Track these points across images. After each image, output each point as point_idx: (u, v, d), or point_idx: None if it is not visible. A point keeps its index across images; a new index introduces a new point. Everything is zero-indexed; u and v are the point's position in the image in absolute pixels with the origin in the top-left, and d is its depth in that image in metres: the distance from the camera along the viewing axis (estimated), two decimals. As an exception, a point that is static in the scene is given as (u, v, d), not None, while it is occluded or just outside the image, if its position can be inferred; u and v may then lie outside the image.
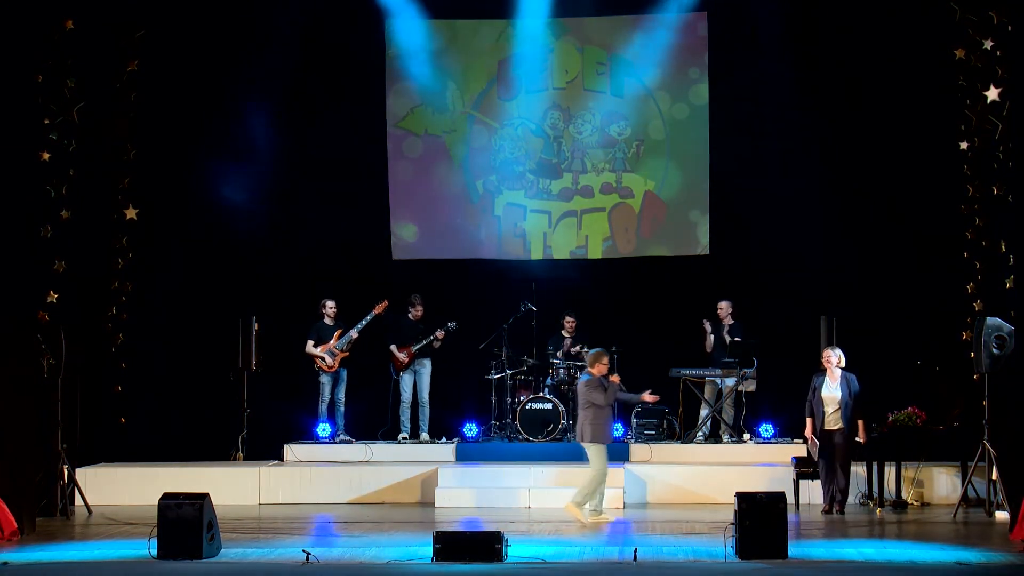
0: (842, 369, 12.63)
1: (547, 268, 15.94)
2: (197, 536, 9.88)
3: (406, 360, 14.99)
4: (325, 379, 14.95)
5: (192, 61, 15.18)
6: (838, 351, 12.71)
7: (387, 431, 15.03)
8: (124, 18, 14.39)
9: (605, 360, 12.12)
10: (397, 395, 15.07)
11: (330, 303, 15.08)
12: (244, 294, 15.35)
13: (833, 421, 12.52)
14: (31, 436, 11.80)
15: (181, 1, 14.91)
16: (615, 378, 12.23)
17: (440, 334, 14.93)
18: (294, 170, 15.73)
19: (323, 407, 14.97)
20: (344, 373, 15.00)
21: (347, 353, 14.92)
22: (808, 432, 12.70)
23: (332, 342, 14.88)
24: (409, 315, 15.13)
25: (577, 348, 14.99)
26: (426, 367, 15.09)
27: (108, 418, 14.59)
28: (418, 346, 14.94)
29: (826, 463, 12.54)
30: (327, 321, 15.03)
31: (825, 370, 12.67)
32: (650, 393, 12.70)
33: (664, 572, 9.53)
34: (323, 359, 14.84)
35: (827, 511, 12.50)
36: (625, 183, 16.02)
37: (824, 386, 12.59)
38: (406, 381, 15.06)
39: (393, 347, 15.01)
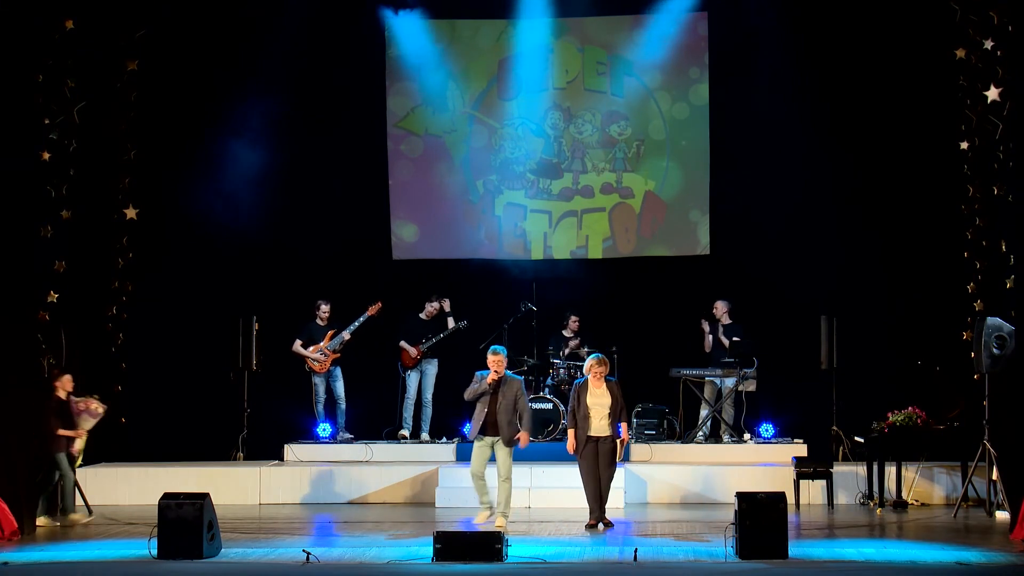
0: (606, 378, 11.85)
1: (547, 268, 15.94)
2: (197, 536, 9.89)
3: (416, 356, 14.98)
4: (317, 379, 14.96)
5: (192, 61, 15.20)
6: (603, 357, 11.87)
7: (392, 430, 15.04)
8: (124, 18, 14.38)
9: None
10: (403, 391, 15.08)
11: (324, 305, 15.06)
12: (244, 294, 15.34)
13: (601, 428, 11.69)
14: (31, 436, 11.78)
15: (181, 1, 14.91)
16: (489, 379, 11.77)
17: (451, 324, 14.93)
18: (294, 170, 15.72)
19: (319, 407, 14.98)
20: (338, 371, 15.00)
21: (338, 354, 14.92)
22: (570, 447, 11.81)
23: (324, 343, 14.87)
24: (422, 314, 15.14)
25: (576, 344, 15.00)
26: (433, 367, 15.10)
27: (108, 418, 14.56)
28: (427, 344, 14.94)
29: (591, 472, 11.72)
30: (319, 323, 15.03)
31: (586, 379, 11.84)
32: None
33: (664, 572, 9.53)
34: (313, 359, 14.84)
35: (593, 524, 11.59)
36: (625, 183, 16.01)
37: (590, 394, 11.74)
38: (412, 379, 15.06)
39: (404, 343, 15.02)
